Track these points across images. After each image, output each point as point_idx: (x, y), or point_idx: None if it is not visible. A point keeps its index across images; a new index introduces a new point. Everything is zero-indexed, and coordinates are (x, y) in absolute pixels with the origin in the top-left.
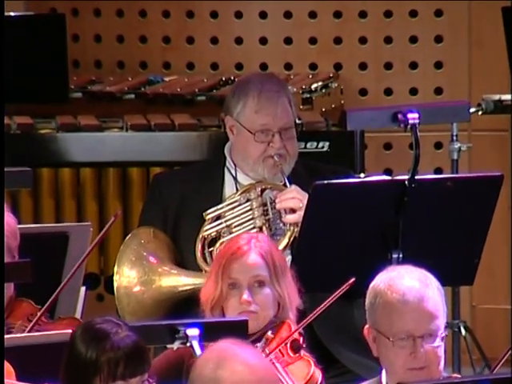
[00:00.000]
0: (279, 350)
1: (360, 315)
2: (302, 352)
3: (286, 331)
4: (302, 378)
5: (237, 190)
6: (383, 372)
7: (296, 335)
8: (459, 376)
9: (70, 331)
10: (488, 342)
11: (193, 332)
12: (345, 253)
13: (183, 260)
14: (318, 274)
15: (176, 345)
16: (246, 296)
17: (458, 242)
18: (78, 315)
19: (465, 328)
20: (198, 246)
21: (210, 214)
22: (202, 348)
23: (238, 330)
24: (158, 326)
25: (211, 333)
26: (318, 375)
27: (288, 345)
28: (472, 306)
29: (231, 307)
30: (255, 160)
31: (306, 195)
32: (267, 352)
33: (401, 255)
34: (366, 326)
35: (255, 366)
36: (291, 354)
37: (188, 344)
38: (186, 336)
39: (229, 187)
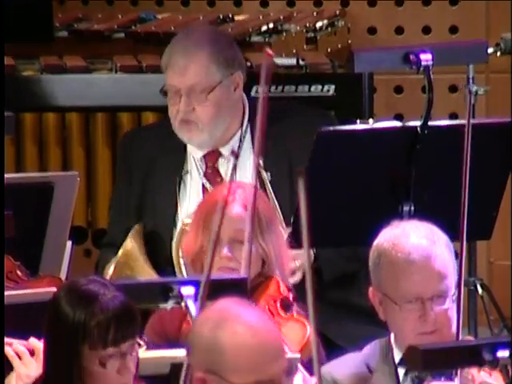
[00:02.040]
0: (268, 309)
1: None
2: (295, 312)
3: (273, 289)
4: (297, 342)
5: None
6: (392, 335)
7: (286, 293)
8: (474, 339)
9: (52, 289)
10: (506, 301)
11: (188, 291)
12: (352, 205)
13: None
14: (323, 228)
15: (170, 304)
16: (225, 251)
17: (473, 193)
18: (63, 272)
19: (481, 286)
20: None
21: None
22: (198, 308)
23: (237, 289)
24: (151, 285)
25: (207, 292)
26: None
27: (278, 303)
28: (489, 263)
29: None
30: (173, 124)
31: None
32: None
33: (412, 208)
34: (371, 289)
35: (258, 328)
36: (282, 314)
37: (183, 304)
38: (181, 295)
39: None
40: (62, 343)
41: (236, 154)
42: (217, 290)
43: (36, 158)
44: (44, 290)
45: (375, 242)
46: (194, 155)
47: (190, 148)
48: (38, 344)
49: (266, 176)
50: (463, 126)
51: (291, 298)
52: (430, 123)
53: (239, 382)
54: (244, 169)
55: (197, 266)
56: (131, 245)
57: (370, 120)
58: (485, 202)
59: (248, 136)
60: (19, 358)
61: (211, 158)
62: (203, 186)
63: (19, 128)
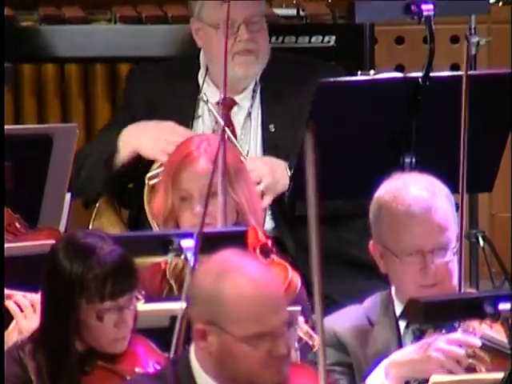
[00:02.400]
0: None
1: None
2: (274, 257)
3: (252, 237)
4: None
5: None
6: (392, 288)
7: (264, 239)
8: (475, 291)
9: (50, 242)
10: (508, 254)
11: (188, 243)
12: (353, 157)
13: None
14: (323, 180)
15: (169, 257)
16: (198, 208)
17: (475, 145)
18: (62, 224)
19: (483, 238)
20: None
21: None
22: (197, 261)
23: (237, 241)
24: (150, 238)
25: (207, 244)
26: (297, 280)
27: (258, 250)
28: (491, 215)
29: (185, 221)
30: (224, 60)
31: (263, 166)
32: None
33: (413, 160)
34: (371, 242)
35: (259, 279)
36: (262, 260)
37: (182, 256)
38: (180, 248)
39: (202, 107)
40: (59, 296)
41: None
42: (216, 242)
43: (35, 109)
44: (43, 243)
45: (376, 195)
46: (211, 99)
47: (206, 91)
48: (38, 298)
49: (270, 128)
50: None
51: (270, 244)
52: (432, 74)
53: (240, 333)
54: (255, 121)
55: (170, 226)
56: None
57: (371, 71)
58: (486, 153)
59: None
60: (21, 311)
61: (226, 104)
62: (214, 132)
63: (18, 79)
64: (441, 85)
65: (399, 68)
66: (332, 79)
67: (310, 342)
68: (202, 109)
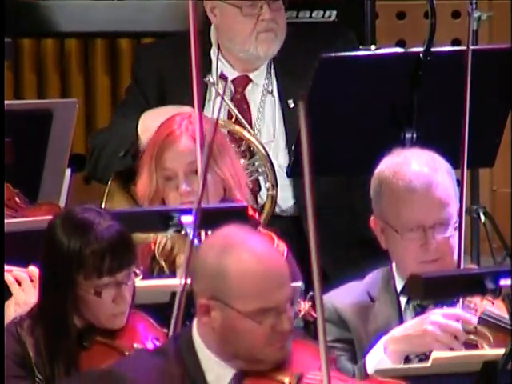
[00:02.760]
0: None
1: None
2: (260, 228)
3: None
4: None
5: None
6: (393, 264)
7: (251, 212)
8: (476, 267)
9: (50, 217)
10: (509, 230)
11: (188, 219)
12: (354, 133)
13: None
14: (324, 156)
15: (169, 233)
16: (184, 187)
17: (476, 120)
18: (62, 199)
19: (484, 214)
20: None
21: None
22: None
23: (238, 216)
24: (150, 214)
25: (208, 220)
26: (283, 248)
27: None
28: (492, 191)
29: (172, 200)
30: (245, 38)
31: None
32: None
33: (415, 135)
34: (372, 217)
35: (263, 255)
36: None
37: (183, 232)
38: (181, 223)
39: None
40: (57, 272)
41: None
42: (216, 218)
43: (34, 84)
44: (43, 218)
45: (376, 170)
46: (229, 75)
47: (222, 68)
48: (36, 272)
49: (290, 103)
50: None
51: (257, 217)
52: (433, 49)
53: (243, 308)
54: (273, 98)
55: (156, 205)
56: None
57: (372, 46)
58: (487, 128)
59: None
60: (18, 284)
61: (241, 82)
62: (228, 111)
63: (17, 54)
64: (442, 60)
65: (400, 43)
66: (333, 54)
67: (311, 319)
68: (210, 90)
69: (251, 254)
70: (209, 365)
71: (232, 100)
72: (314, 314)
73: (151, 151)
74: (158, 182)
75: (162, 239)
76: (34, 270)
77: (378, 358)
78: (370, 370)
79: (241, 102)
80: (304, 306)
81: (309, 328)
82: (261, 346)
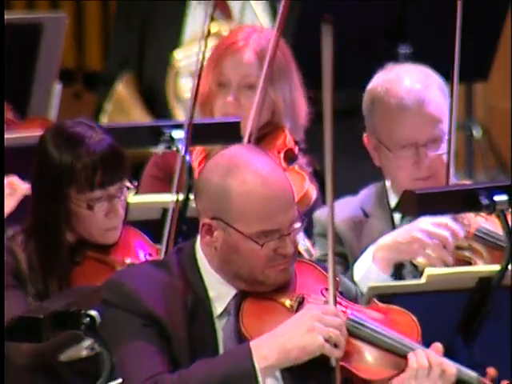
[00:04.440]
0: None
1: None
2: (296, 165)
3: (280, 140)
4: (296, 192)
5: None
6: (387, 182)
7: (291, 145)
8: (470, 182)
9: (41, 133)
10: (504, 146)
11: (179, 134)
12: (348, 48)
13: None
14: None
15: (160, 148)
16: (231, 97)
17: (471, 31)
18: (53, 114)
19: (479, 129)
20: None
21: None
22: (187, 153)
23: (229, 132)
24: (141, 129)
25: (199, 135)
26: (313, 192)
27: (282, 154)
28: (488, 106)
29: (217, 108)
30: None
31: None
32: None
33: (408, 50)
34: (365, 134)
35: (268, 177)
36: (284, 165)
37: (174, 148)
38: (172, 139)
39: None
40: (49, 187)
41: None
42: (209, 133)
43: None
44: (35, 134)
45: (368, 87)
46: None
47: None
48: (17, 182)
49: None
50: None
51: (296, 151)
52: None
53: (245, 230)
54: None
55: (206, 110)
56: (123, 90)
57: None
58: (482, 40)
59: None
60: None
61: None
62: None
63: None
64: None
65: None
66: None
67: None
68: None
69: (256, 175)
70: (211, 283)
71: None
72: (313, 251)
73: (213, 55)
74: (211, 87)
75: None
76: (15, 181)
77: (366, 267)
78: (357, 277)
79: (223, 7)
80: (304, 245)
81: None
82: (262, 267)
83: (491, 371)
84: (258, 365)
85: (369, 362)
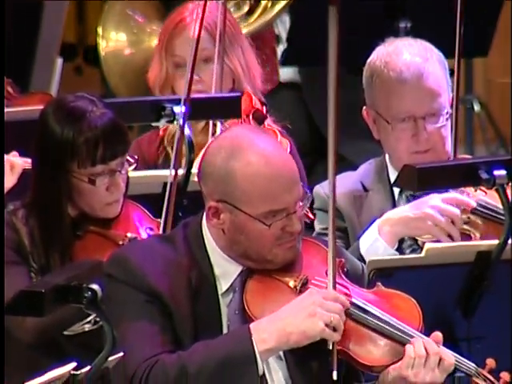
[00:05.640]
0: (241, 122)
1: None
2: (266, 123)
3: (245, 103)
4: None
5: None
6: (387, 155)
7: (258, 105)
8: (470, 157)
9: (42, 107)
10: (504, 120)
11: (181, 109)
12: (348, 24)
13: None
14: (320, 47)
15: (162, 123)
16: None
17: (471, 6)
18: (54, 89)
19: (479, 104)
20: None
21: None
22: (190, 127)
23: (231, 107)
24: (143, 104)
25: (200, 111)
26: (286, 144)
27: (250, 116)
28: (487, 80)
29: (180, 88)
30: None
31: None
32: (227, 127)
33: (408, 24)
34: (365, 108)
35: (271, 157)
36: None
37: (175, 123)
38: (173, 113)
39: None
40: (50, 161)
41: None
42: (208, 108)
43: None
44: (36, 108)
45: (368, 60)
46: None
47: None
48: (17, 160)
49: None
50: None
51: (264, 112)
52: None
53: (252, 211)
54: None
55: (166, 94)
56: None
57: None
58: (482, 16)
59: None
60: None
61: None
62: None
63: None
64: None
65: None
66: None
67: (308, 220)
68: None
69: (259, 156)
70: (217, 260)
71: None
72: (311, 216)
73: (162, 38)
74: (167, 70)
75: (172, 127)
76: (15, 157)
77: (372, 239)
78: (363, 251)
79: None
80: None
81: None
82: (270, 246)
83: (490, 362)
84: (258, 348)
85: (369, 348)
